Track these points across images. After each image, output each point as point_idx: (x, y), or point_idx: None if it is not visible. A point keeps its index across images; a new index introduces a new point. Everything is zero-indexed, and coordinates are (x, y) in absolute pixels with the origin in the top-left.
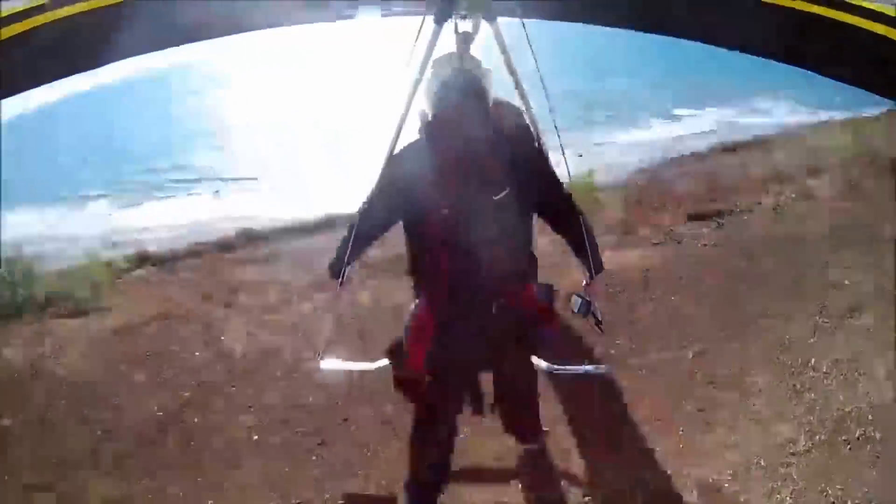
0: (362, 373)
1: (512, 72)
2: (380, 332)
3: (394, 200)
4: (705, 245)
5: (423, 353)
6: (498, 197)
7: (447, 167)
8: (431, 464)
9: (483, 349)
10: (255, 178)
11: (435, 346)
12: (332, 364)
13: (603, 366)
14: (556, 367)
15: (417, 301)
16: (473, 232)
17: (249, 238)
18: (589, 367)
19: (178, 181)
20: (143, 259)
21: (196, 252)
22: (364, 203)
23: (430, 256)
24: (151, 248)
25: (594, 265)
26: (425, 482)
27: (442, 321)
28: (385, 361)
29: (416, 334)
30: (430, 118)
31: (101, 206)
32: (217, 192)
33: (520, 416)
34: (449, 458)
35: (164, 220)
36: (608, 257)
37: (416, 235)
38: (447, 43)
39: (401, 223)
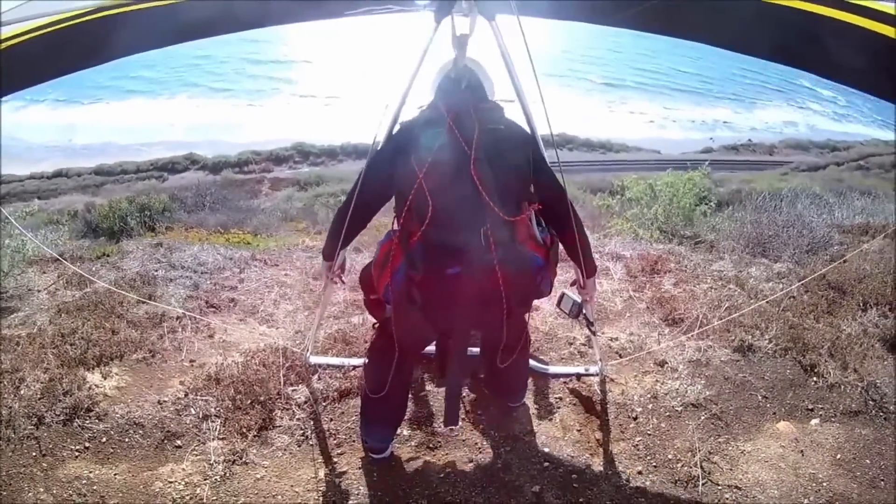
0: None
1: (509, 71)
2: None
3: (394, 161)
4: None
5: (384, 282)
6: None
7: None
8: (382, 398)
9: (465, 296)
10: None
11: (400, 281)
12: (320, 359)
13: (595, 367)
14: (548, 368)
15: (390, 230)
16: (462, 173)
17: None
18: (580, 369)
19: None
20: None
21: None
22: (367, 167)
23: (416, 188)
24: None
25: (587, 268)
26: (376, 418)
27: (416, 256)
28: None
29: (381, 260)
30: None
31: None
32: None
33: (506, 378)
34: (403, 397)
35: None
36: None
37: (407, 180)
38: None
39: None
